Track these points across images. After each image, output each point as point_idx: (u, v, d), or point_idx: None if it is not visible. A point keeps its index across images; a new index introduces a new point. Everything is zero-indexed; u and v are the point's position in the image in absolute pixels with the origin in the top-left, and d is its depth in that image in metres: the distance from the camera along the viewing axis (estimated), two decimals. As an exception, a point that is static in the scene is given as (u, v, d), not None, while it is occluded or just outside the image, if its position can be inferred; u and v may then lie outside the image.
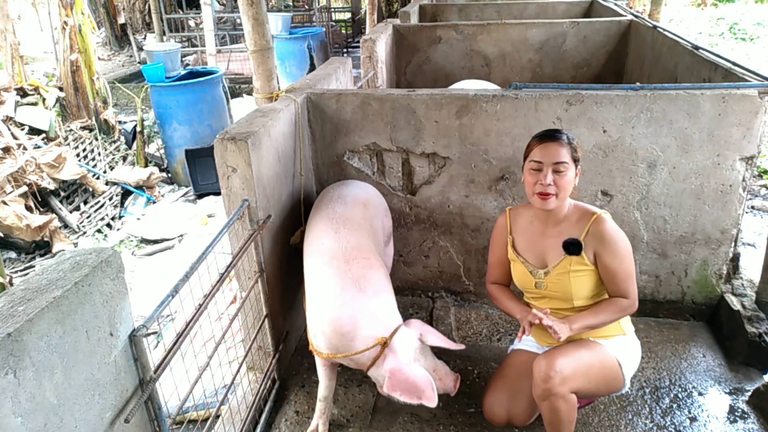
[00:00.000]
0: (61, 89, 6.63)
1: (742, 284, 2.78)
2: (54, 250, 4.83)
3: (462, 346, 2.03)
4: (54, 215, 5.06)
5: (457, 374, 1.99)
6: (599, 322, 1.91)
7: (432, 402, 1.78)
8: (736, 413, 2.30)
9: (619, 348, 1.98)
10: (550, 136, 1.90)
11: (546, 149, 1.88)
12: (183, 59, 10.23)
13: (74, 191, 5.65)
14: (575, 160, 1.90)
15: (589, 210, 1.96)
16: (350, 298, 1.97)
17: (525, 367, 2.04)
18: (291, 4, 16.63)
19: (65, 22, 6.39)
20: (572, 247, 1.92)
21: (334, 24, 13.64)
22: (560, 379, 1.80)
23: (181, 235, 5.11)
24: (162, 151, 6.42)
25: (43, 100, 6.28)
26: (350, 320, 1.94)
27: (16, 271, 4.59)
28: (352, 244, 2.12)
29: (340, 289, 1.99)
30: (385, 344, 1.88)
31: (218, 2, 14.72)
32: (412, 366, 1.85)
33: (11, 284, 3.58)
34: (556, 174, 1.86)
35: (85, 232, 5.22)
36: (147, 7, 13.49)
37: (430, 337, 1.96)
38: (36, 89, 6.34)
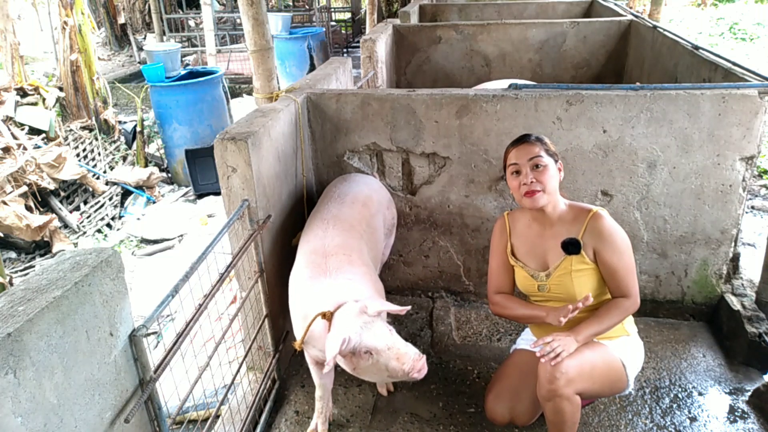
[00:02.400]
0: (61, 89, 6.63)
1: (742, 284, 2.77)
2: (54, 250, 4.83)
3: (408, 308, 1.86)
4: (54, 215, 5.06)
5: (423, 356, 1.78)
6: (604, 327, 1.91)
7: (328, 356, 1.66)
8: (736, 413, 2.30)
9: (623, 349, 1.98)
10: (520, 139, 1.99)
11: (519, 151, 1.95)
12: (183, 59, 10.22)
13: (74, 191, 5.65)
14: (552, 155, 1.95)
15: (585, 208, 1.97)
16: (316, 283, 1.97)
17: (528, 366, 2.04)
18: (291, 4, 16.63)
19: (65, 22, 6.39)
20: (571, 247, 1.92)
21: (334, 24, 13.64)
22: (565, 380, 1.79)
23: (181, 235, 5.12)
24: (162, 151, 6.42)
25: (43, 100, 6.28)
26: (309, 302, 1.93)
27: (16, 271, 4.59)
28: (336, 242, 2.11)
29: (309, 277, 2.00)
30: (325, 317, 1.82)
31: (218, 2, 14.72)
32: (334, 330, 1.74)
33: (11, 284, 3.58)
34: (536, 171, 1.91)
35: (85, 232, 5.22)
36: (147, 7, 13.49)
37: (371, 306, 1.79)
38: (36, 89, 6.34)
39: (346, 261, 2.05)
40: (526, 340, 2.19)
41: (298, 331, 2.02)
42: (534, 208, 1.95)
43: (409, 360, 1.75)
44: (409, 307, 1.90)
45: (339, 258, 2.05)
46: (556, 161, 1.95)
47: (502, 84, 3.95)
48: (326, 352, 1.72)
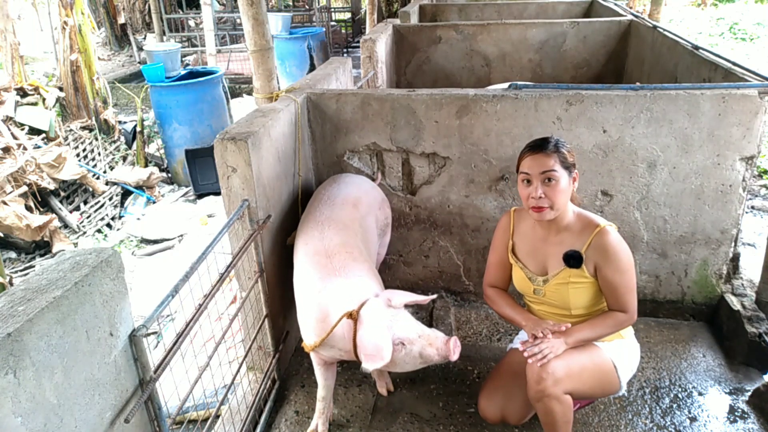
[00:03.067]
0: (61, 89, 6.63)
1: (742, 284, 2.77)
2: (54, 250, 4.83)
3: (433, 297, 1.92)
4: (54, 215, 5.06)
5: (454, 336, 1.81)
6: (595, 335, 1.91)
7: (381, 360, 1.68)
8: (736, 413, 2.30)
9: (616, 351, 1.98)
10: (537, 146, 1.87)
11: (533, 161, 1.85)
12: (183, 59, 10.22)
13: (74, 191, 5.65)
14: (567, 167, 1.85)
15: (593, 221, 1.92)
16: (329, 283, 1.97)
17: (521, 366, 2.03)
18: (291, 4, 16.63)
19: (65, 22, 6.39)
20: (572, 260, 1.90)
21: (334, 24, 13.64)
22: (553, 380, 1.79)
23: (181, 235, 5.12)
24: (162, 151, 6.42)
25: (43, 100, 6.28)
26: (326, 303, 1.93)
27: (16, 271, 4.59)
28: (336, 242, 2.12)
29: (319, 278, 2.00)
30: (351, 317, 1.82)
31: (218, 2, 14.72)
32: (373, 330, 1.75)
33: (11, 284, 3.58)
34: (547, 185, 1.83)
35: (85, 232, 5.22)
36: (147, 7, 13.50)
37: (396, 299, 1.84)
38: (36, 89, 6.34)
39: (350, 258, 2.06)
40: (523, 340, 2.19)
41: (307, 334, 2.01)
42: (540, 221, 1.93)
43: (441, 344, 1.79)
44: (435, 296, 1.95)
45: (343, 256, 2.05)
46: (571, 172, 1.87)
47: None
48: (370, 352, 1.71)
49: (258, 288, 2.30)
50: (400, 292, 1.90)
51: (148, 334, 1.48)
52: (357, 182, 2.58)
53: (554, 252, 1.96)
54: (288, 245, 2.60)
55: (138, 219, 5.48)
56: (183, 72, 6.55)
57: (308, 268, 2.08)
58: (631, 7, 9.42)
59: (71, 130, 6.33)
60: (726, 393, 2.41)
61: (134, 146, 6.47)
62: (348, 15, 14.86)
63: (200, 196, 5.93)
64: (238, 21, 12.01)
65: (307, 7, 14.69)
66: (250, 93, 8.85)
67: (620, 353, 1.99)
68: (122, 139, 6.65)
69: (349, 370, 2.58)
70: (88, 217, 5.43)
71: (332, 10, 15.19)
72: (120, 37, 13.76)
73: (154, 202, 5.82)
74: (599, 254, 1.88)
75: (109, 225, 5.41)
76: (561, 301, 1.96)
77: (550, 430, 1.89)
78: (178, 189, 6.23)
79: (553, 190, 1.83)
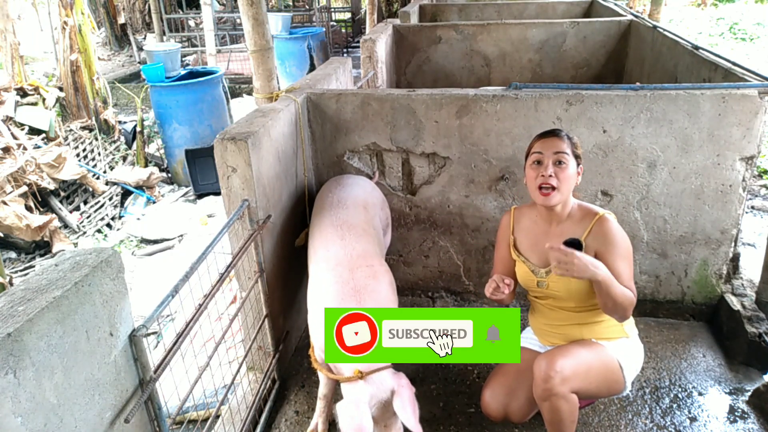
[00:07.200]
0: (61, 89, 6.63)
1: (742, 284, 2.78)
2: (54, 250, 4.83)
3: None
4: (54, 215, 5.06)
5: None
6: (613, 289, 1.80)
7: None
8: (736, 413, 2.30)
9: (621, 350, 1.98)
10: (551, 132, 1.96)
11: (546, 142, 1.93)
12: (183, 59, 10.23)
13: (74, 191, 5.65)
14: (576, 156, 1.93)
15: (593, 210, 1.96)
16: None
17: (525, 364, 2.04)
18: (291, 4, 16.62)
19: (65, 22, 6.39)
20: (572, 247, 1.91)
21: (334, 24, 13.64)
22: (560, 379, 1.79)
23: (181, 235, 5.11)
24: (162, 151, 6.42)
25: (43, 100, 6.28)
26: None
27: (16, 271, 4.59)
28: (357, 251, 2.10)
29: (340, 299, 1.97)
30: (360, 374, 1.82)
31: (218, 2, 14.72)
32: (362, 409, 1.74)
33: (11, 284, 3.58)
34: (557, 167, 1.88)
35: (85, 232, 5.22)
36: (147, 7, 13.49)
37: (397, 402, 1.77)
38: (36, 89, 6.33)
39: (371, 275, 2.03)
40: (525, 339, 2.20)
41: (317, 347, 2.02)
42: (545, 206, 1.94)
43: None
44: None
45: (363, 272, 2.03)
46: (578, 164, 1.93)
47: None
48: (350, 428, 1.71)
49: (258, 288, 2.30)
50: (404, 403, 1.77)
51: (148, 334, 1.48)
52: (361, 183, 2.58)
53: (555, 243, 1.96)
54: (296, 246, 2.60)
55: (138, 219, 5.48)
56: (183, 72, 6.55)
57: (329, 282, 2.04)
58: (631, 7, 9.42)
59: (71, 130, 6.33)
60: (726, 393, 2.41)
61: (134, 146, 6.47)
62: (348, 15, 14.85)
63: (200, 196, 5.92)
64: (238, 21, 12.01)
65: (307, 7, 14.70)
66: (250, 93, 8.84)
67: (625, 353, 1.99)
68: (122, 139, 6.65)
69: (349, 370, 2.58)
70: (88, 217, 5.43)
71: (332, 10, 15.18)
72: (120, 37, 13.75)
73: (154, 202, 5.82)
74: (599, 241, 1.90)
75: (109, 225, 5.41)
76: (564, 291, 1.97)
77: (555, 430, 1.89)
78: (178, 189, 6.23)
79: (563, 172, 1.88)
